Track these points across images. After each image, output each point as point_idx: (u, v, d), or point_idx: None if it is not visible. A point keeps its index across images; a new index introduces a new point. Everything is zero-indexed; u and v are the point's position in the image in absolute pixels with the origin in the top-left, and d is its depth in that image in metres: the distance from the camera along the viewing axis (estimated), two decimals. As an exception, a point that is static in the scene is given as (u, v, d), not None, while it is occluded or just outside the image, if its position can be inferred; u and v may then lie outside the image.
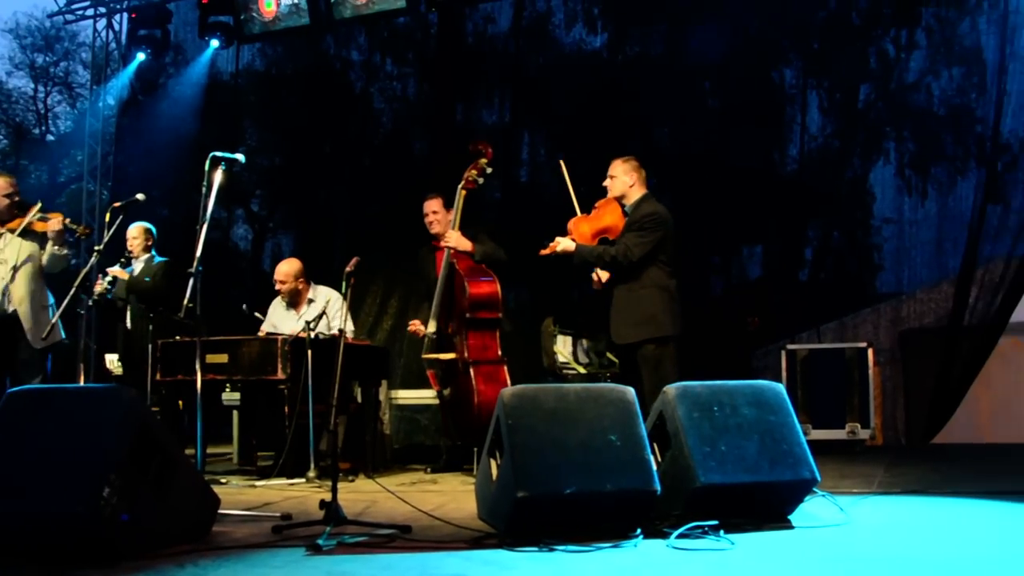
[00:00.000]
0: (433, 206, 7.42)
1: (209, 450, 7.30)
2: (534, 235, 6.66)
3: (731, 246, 11.39)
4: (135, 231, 8.01)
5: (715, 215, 10.27)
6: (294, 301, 7.67)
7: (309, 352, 6.59)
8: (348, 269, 5.23)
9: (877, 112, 11.38)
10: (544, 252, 6.45)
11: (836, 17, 11.14)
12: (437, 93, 12.20)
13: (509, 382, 6.78)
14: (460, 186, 7.11)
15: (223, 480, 6.57)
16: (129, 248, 7.93)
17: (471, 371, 6.84)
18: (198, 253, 5.25)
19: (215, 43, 11.82)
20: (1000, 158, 9.70)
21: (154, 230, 8.13)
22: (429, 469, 7.34)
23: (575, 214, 6.69)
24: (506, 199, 11.21)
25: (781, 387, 4.76)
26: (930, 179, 10.73)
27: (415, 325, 7.46)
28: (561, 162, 6.92)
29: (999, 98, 9.50)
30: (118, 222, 6.64)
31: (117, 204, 6.66)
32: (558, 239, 6.43)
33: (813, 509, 4.78)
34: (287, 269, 7.68)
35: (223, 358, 6.90)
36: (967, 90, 10.46)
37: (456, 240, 7.08)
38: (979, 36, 10.12)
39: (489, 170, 7.10)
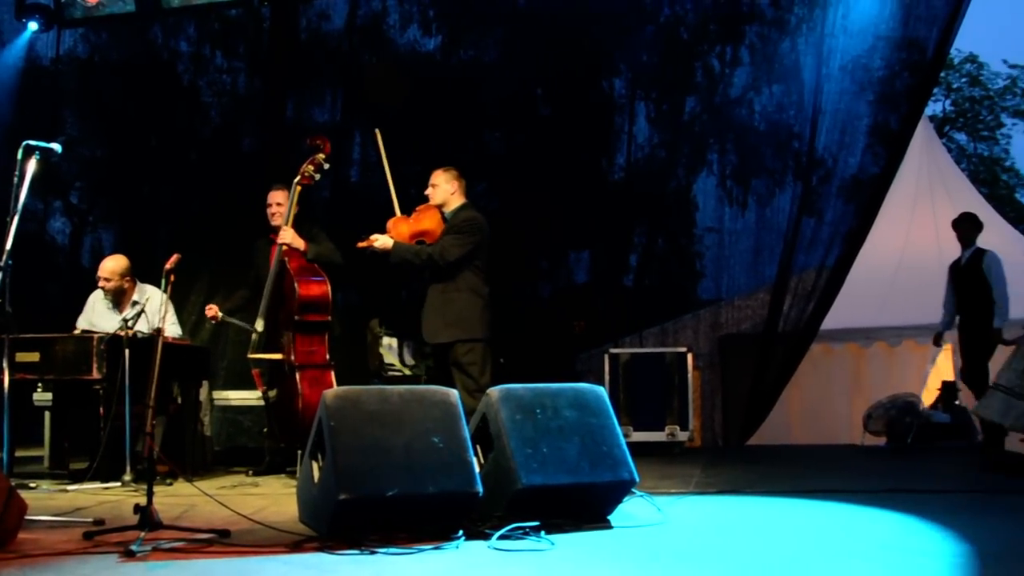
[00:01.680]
0: (277, 197, 7.31)
1: (18, 453, 6.95)
2: (363, 235, 6.63)
3: (559, 251, 11.55)
4: None
5: (545, 220, 10.40)
6: (118, 300, 7.34)
7: (126, 351, 6.37)
8: (168, 266, 5.07)
9: (702, 124, 11.72)
10: (361, 245, 6.53)
11: (665, 31, 11.43)
12: (268, 89, 11.95)
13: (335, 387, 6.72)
14: (296, 180, 7.01)
15: (32, 485, 6.29)
16: None
17: (296, 375, 6.75)
18: (8, 246, 5.02)
19: (33, 26, 11.30)
20: (815, 172, 10.14)
21: None
22: (251, 472, 7.20)
23: (403, 211, 6.74)
24: (335, 198, 11.08)
25: (602, 390, 4.86)
26: (750, 191, 11.11)
27: (211, 309, 7.29)
28: (377, 132, 6.94)
29: (815, 116, 9.94)
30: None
31: (-82, 192, 6.29)
32: (376, 235, 6.49)
33: (632, 509, 4.89)
34: (112, 266, 7.32)
35: (34, 356, 6.59)
36: (786, 107, 10.87)
37: (290, 237, 6.98)
38: (798, 56, 10.54)
39: (326, 166, 7.05)
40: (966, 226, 8.72)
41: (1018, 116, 32.42)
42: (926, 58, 9.54)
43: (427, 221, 6.64)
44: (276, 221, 7.25)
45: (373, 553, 3.80)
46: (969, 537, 4.10)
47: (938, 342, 8.87)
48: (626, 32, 11.21)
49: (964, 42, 35.47)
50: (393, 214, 6.76)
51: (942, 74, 28.79)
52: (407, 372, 8.45)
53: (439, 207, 6.65)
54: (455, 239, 6.42)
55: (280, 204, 7.26)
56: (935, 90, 28.60)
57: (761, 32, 11.06)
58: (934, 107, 30.96)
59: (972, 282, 8.45)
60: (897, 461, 8.15)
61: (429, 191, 6.67)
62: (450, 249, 6.38)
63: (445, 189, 6.61)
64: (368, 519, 4.02)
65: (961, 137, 32.93)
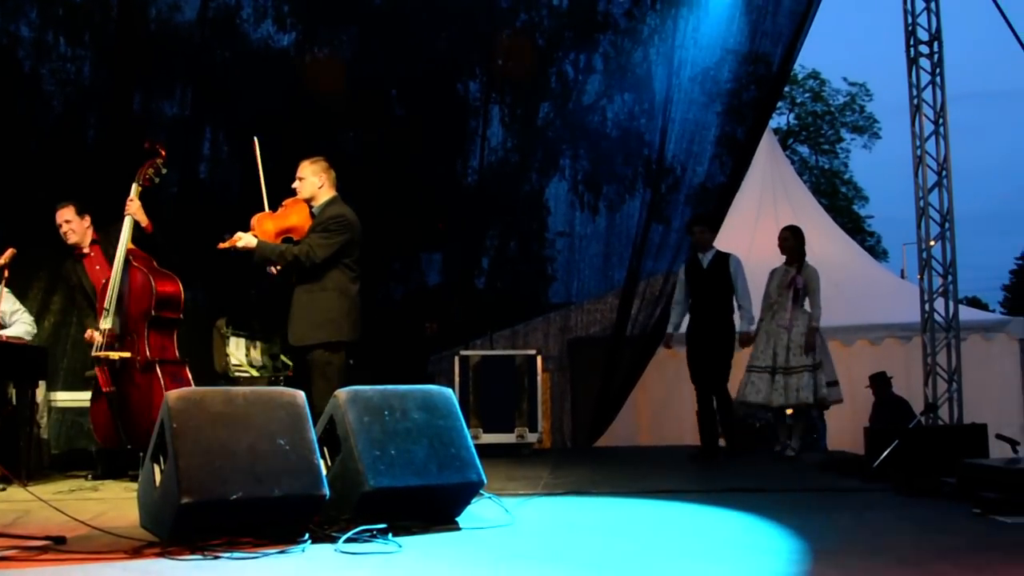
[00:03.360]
0: (65, 215, 7.25)
1: None
2: (212, 233, 6.48)
3: (412, 252, 11.50)
4: None
5: (397, 221, 10.35)
6: (-54, 297, 7.09)
7: (-44, 350, 6.10)
8: (2, 262, 4.88)
9: (555, 130, 11.83)
10: (223, 246, 6.33)
11: (521, 36, 11.50)
12: (115, 80, 11.57)
13: (192, 383, 6.56)
14: (137, 182, 6.85)
15: None
16: None
17: (157, 369, 6.55)
18: None
19: None
20: (664, 180, 10.38)
21: None
22: (91, 476, 6.98)
23: (260, 210, 6.59)
24: (184, 195, 10.78)
25: (451, 392, 4.88)
26: (601, 197, 11.26)
27: (90, 334, 7.07)
28: (255, 139, 6.81)
29: (664, 125, 10.18)
30: None
31: None
32: (239, 234, 6.31)
33: (480, 511, 4.92)
34: None
35: None
36: (638, 115, 11.06)
37: (136, 209, 6.83)
38: (650, 66, 10.75)
39: (164, 170, 6.94)
40: (701, 228, 8.85)
41: (857, 131, 33.97)
42: (771, 73, 9.90)
43: (294, 216, 6.49)
44: (71, 239, 7.26)
45: (216, 558, 3.74)
46: (804, 534, 4.26)
47: (669, 344, 9.12)
48: (482, 35, 11.24)
49: (807, 59, 37.02)
50: (250, 214, 6.61)
51: (786, 89, 29.89)
52: (255, 373, 8.31)
53: (307, 201, 6.51)
54: (321, 238, 6.27)
55: (69, 221, 7.24)
56: (779, 104, 29.70)
57: (615, 41, 11.21)
58: (778, 120, 32.19)
59: (714, 284, 8.59)
60: (738, 462, 8.38)
61: (296, 184, 6.50)
62: (316, 249, 6.24)
63: (312, 183, 6.46)
64: (211, 523, 3.94)
65: (804, 150, 34.34)
